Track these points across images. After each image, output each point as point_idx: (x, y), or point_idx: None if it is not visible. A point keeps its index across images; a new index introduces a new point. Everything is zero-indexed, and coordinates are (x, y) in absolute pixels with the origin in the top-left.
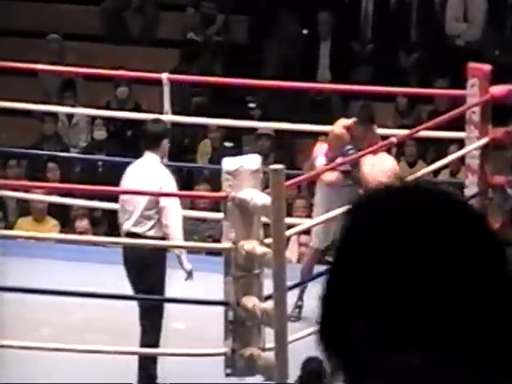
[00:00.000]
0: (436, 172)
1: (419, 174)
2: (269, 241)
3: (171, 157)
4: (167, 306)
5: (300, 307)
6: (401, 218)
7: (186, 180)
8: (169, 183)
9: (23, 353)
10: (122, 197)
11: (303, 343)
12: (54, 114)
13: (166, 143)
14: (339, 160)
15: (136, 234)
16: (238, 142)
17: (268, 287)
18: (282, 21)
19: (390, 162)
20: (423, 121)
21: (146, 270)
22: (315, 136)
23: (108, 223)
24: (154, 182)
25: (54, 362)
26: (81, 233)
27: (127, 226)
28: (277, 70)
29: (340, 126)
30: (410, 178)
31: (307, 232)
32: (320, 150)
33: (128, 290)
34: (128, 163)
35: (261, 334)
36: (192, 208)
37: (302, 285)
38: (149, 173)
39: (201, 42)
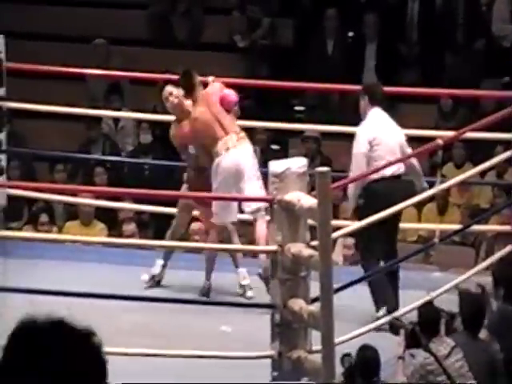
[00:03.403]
0: (482, 173)
1: (466, 175)
2: (315, 243)
3: None
4: (214, 310)
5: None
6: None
7: None
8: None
9: None
10: (383, 145)
11: (350, 345)
12: (101, 118)
13: None
14: None
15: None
16: (285, 145)
17: (314, 289)
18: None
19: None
20: (467, 123)
21: None
22: None
23: (155, 226)
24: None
25: None
26: (128, 236)
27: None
28: (322, 73)
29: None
30: (456, 179)
31: (353, 234)
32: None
33: (173, 293)
34: (173, 166)
35: (307, 336)
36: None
37: (347, 287)
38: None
39: (247, 46)
